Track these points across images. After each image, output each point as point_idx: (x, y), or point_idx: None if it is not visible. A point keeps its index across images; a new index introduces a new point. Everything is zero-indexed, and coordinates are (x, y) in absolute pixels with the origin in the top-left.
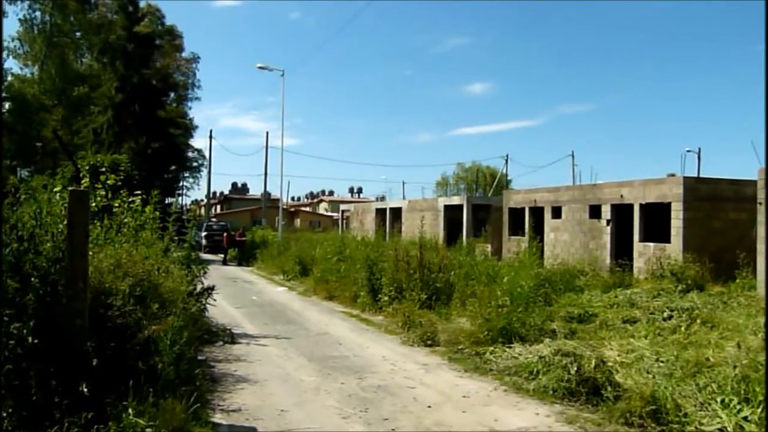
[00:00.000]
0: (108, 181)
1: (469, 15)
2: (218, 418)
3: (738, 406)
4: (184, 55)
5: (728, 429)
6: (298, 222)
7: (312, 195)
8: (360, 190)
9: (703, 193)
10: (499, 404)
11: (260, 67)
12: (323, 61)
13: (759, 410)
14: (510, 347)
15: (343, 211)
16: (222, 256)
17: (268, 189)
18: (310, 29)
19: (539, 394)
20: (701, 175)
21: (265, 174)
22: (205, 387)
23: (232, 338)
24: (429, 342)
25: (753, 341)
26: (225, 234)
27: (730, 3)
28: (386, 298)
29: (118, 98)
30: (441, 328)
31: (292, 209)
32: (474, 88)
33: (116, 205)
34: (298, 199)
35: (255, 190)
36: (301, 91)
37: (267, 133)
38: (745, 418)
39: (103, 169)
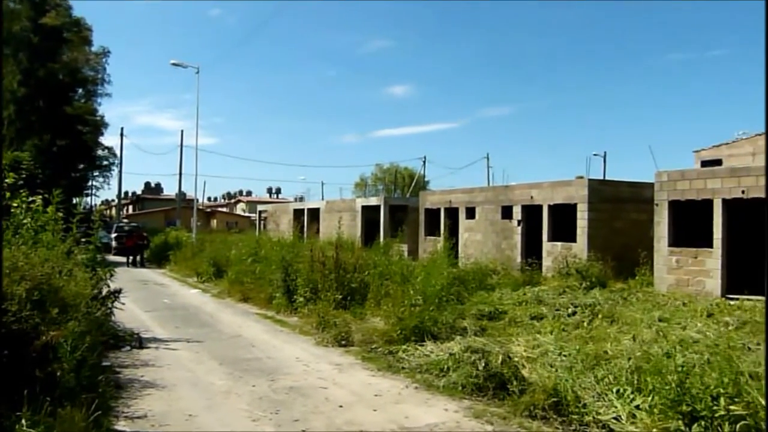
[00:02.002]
0: (6, 180)
1: (393, 18)
2: (122, 425)
3: (631, 396)
4: (93, 49)
5: (622, 417)
6: (214, 223)
7: (229, 195)
8: (279, 191)
9: (607, 195)
10: (410, 402)
11: (174, 64)
12: (245, 59)
13: (650, 398)
14: (422, 345)
15: (260, 212)
16: (131, 258)
17: (183, 189)
18: (231, 27)
19: (449, 391)
20: (606, 178)
21: (180, 173)
22: (109, 394)
23: (140, 343)
24: (343, 342)
25: (647, 334)
26: (132, 236)
27: (645, 13)
28: (301, 299)
29: (21, 92)
30: (355, 327)
31: (209, 210)
32: (396, 90)
33: (15, 205)
34: (215, 199)
35: (170, 190)
36: (221, 90)
37: (182, 131)
38: (637, 407)
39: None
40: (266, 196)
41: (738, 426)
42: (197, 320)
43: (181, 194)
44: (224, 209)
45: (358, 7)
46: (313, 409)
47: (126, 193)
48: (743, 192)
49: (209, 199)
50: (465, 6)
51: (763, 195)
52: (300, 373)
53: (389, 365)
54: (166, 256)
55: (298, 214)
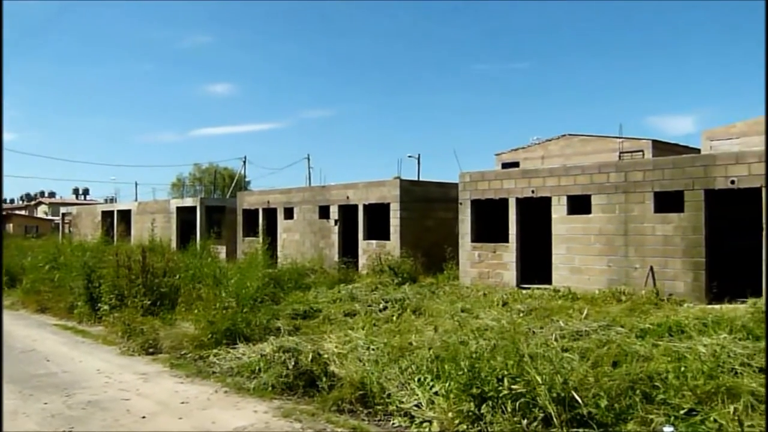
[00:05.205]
0: None
1: (211, 13)
2: None
3: (431, 383)
4: None
5: (423, 404)
6: (10, 227)
7: (29, 197)
8: (86, 192)
9: (418, 195)
10: (218, 406)
11: None
12: (48, 48)
13: (446, 384)
14: (234, 348)
15: (64, 215)
16: None
17: None
18: (31, 11)
19: (260, 392)
20: (422, 179)
21: None
22: None
23: None
24: (151, 350)
25: (448, 324)
26: None
27: (458, 24)
28: (106, 307)
29: None
30: (164, 334)
31: (4, 213)
32: (216, 88)
33: None
34: (12, 201)
35: None
36: (19, 81)
37: None
38: (435, 393)
39: None
40: (72, 198)
41: (518, 403)
42: None
43: None
44: (23, 212)
45: None
46: (112, 423)
47: None
48: (533, 191)
49: (5, 201)
50: (287, 6)
51: (548, 194)
52: (100, 386)
53: (199, 371)
54: None
55: (106, 216)
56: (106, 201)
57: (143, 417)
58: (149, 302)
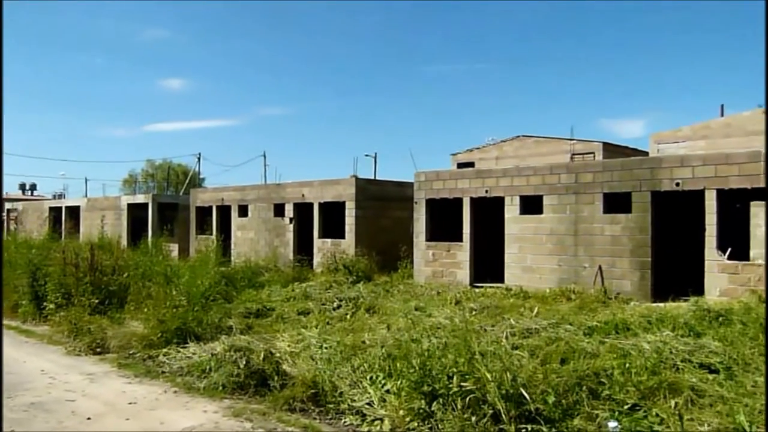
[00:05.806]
0: None
1: (168, 7)
2: None
3: (383, 381)
4: None
5: (374, 402)
6: None
7: None
8: (33, 187)
9: (373, 194)
10: (167, 407)
11: None
12: None
13: (398, 382)
14: (185, 347)
15: (8, 210)
16: None
17: None
18: None
19: (210, 392)
20: (378, 178)
21: None
22: None
23: None
24: (98, 349)
25: (401, 322)
26: None
27: (421, 27)
28: (52, 306)
29: None
30: (112, 333)
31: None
32: (171, 83)
33: None
34: None
35: None
36: None
37: None
38: (387, 391)
39: None
40: (18, 193)
41: (468, 400)
42: None
43: None
44: None
45: None
46: (56, 425)
47: None
48: (487, 191)
49: None
50: (245, 3)
51: (502, 194)
52: (44, 387)
53: (148, 370)
54: None
55: (55, 212)
56: (54, 197)
57: (89, 418)
58: (97, 301)
